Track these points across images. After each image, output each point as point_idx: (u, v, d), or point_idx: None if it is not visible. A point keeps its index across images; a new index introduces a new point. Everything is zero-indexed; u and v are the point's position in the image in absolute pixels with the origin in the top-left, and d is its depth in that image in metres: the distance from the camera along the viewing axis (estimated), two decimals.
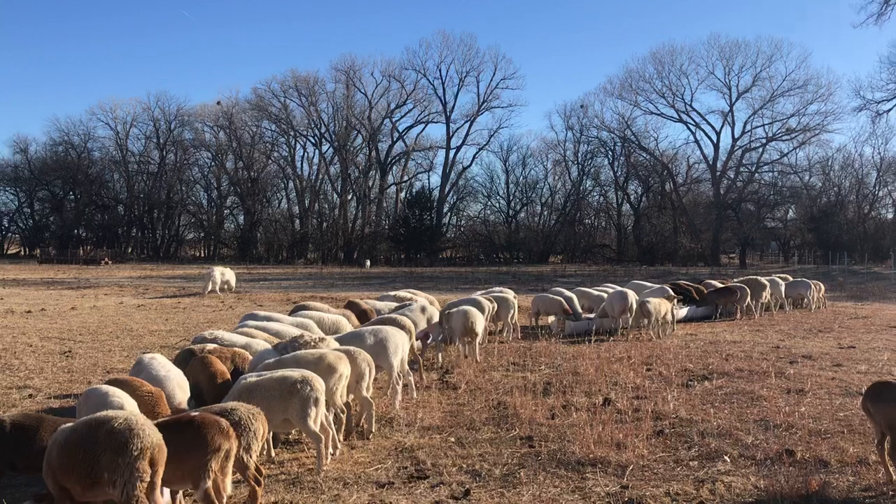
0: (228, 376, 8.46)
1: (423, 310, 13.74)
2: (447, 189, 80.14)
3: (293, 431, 8.50)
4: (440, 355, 13.80)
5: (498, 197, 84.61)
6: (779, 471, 7.22)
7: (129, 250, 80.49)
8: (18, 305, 24.15)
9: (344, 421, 8.33)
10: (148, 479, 5.22)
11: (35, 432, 6.23)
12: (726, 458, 7.74)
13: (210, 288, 30.28)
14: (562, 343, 16.02)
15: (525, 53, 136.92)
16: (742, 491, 6.82)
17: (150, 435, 5.30)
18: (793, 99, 69.14)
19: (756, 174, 72.36)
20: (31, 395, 10.92)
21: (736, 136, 71.88)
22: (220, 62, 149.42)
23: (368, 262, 58.37)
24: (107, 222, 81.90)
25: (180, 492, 6.21)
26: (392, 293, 17.23)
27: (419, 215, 73.69)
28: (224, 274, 31.47)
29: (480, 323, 13.61)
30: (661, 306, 17.34)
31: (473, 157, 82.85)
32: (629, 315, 17.68)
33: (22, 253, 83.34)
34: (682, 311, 19.88)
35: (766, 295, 21.92)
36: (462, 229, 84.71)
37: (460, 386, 11.50)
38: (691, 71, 72.98)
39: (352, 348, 8.94)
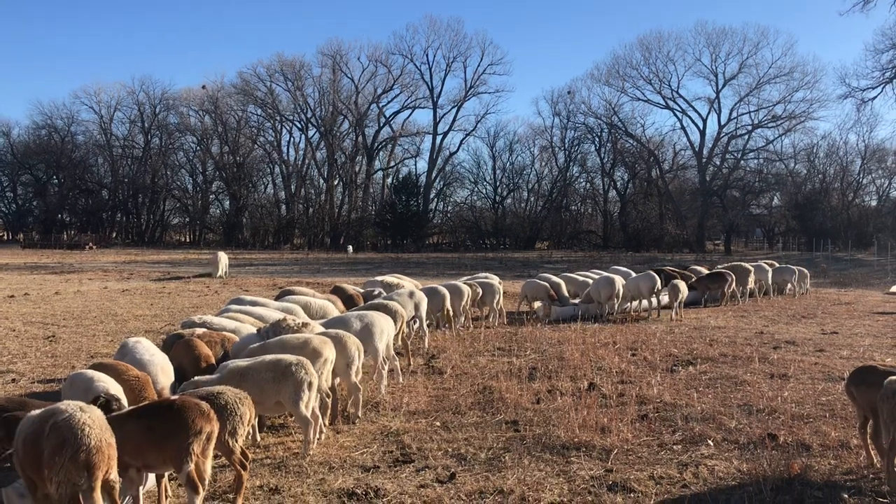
0: (213, 360, 8.43)
1: (410, 295, 13.72)
2: (434, 175, 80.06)
3: (279, 416, 8.50)
4: (426, 340, 13.82)
5: (485, 183, 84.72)
6: (761, 454, 7.28)
7: (114, 235, 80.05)
8: (1, 290, 23.95)
9: (329, 406, 8.32)
10: (81, 482, 4.92)
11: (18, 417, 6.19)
12: (710, 442, 7.80)
13: (220, 271, 31.44)
14: (547, 328, 16.07)
15: (512, 39, 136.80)
16: (725, 474, 6.87)
17: (90, 436, 4.95)
18: (779, 86, 69.49)
19: (742, 161, 72.70)
20: (14, 380, 10.85)
21: (722, 122, 72.24)
22: (206, 46, 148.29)
23: (351, 248, 58.11)
24: (91, 207, 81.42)
25: (166, 475, 6.18)
26: (379, 278, 17.18)
27: (406, 201, 73.62)
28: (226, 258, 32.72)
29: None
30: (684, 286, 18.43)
31: (460, 143, 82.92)
32: (616, 300, 17.77)
33: (5, 238, 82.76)
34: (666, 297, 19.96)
35: (751, 281, 22.06)
36: (449, 215, 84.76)
37: (446, 371, 11.52)
38: (678, 58, 73.11)
39: (341, 332, 8.92)
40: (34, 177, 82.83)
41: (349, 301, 14.50)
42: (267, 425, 8.40)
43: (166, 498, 6.23)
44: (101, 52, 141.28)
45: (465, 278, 18.51)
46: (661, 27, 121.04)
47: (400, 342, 11.87)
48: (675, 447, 7.67)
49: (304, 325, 9.44)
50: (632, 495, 6.40)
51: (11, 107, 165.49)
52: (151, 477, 6.16)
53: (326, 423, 8.08)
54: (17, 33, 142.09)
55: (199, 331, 9.27)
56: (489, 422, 8.66)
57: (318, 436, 7.76)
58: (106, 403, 6.16)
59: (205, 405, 5.75)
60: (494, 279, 18.08)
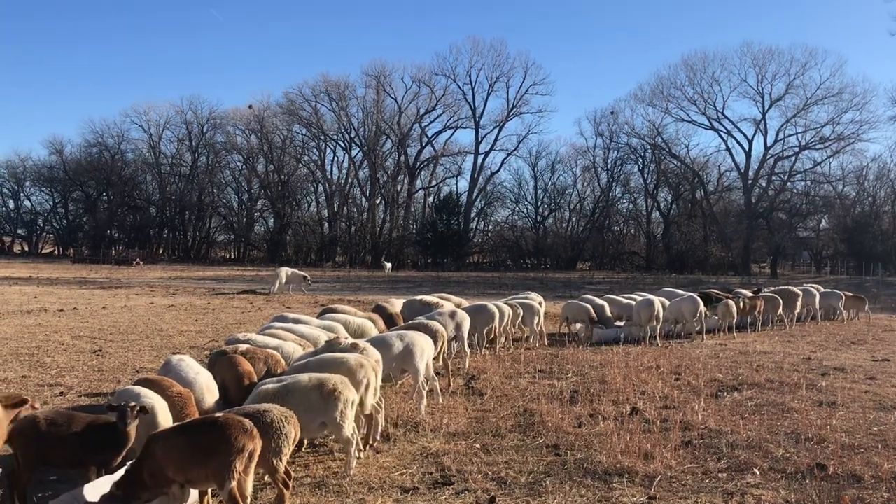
0: (255, 378, 8.49)
1: (452, 314, 13.70)
2: (475, 194, 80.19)
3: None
4: (466, 360, 13.78)
5: (526, 202, 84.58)
6: (810, 485, 7.10)
7: (161, 251, 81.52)
8: (52, 304, 24.52)
9: (363, 431, 8.32)
10: None
11: (66, 428, 6.31)
12: (756, 470, 7.62)
13: (277, 288, 32.25)
14: (589, 351, 15.92)
15: (555, 59, 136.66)
16: None
17: None
18: (827, 107, 68.43)
19: (788, 183, 71.59)
20: (62, 393, 11.07)
21: (768, 144, 71.29)
22: (253, 67, 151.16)
23: (389, 266, 58.05)
24: (139, 223, 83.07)
25: (208, 491, 6.24)
26: (418, 298, 17.16)
27: (447, 220, 73.81)
28: (288, 274, 33.57)
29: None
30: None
31: (502, 163, 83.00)
32: (656, 323, 17.54)
33: (56, 252, 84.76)
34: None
35: (799, 305, 21.61)
36: (489, 234, 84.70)
37: (486, 392, 11.46)
38: (723, 78, 72.48)
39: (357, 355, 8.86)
40: (85, 193, 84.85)
41: (390, 320, 14.53)
42: (307, 444, 8.43)
43: None
44: (150, 72, 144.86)
45: (508, 298, 18.36)
46: (706, 47, 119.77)
47: (441, 362, 11.85)
48: (720, 475, 7.52)
49: (354, 345, 9.47)
50: None
51: (64, 125, 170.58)
52: (193, 493, 6.22)
53: (361, 444, 8.02)
54: (70, 53, 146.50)
55: (243, 347, 9.36)
56: (530, 445, 8.59)
57: (357, 455, 7.74)
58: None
59: (248, 423, 5.80)
60: (536, 299, 17.93)
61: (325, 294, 32.04)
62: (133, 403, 6.33)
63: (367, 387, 8.12)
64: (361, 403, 8.07)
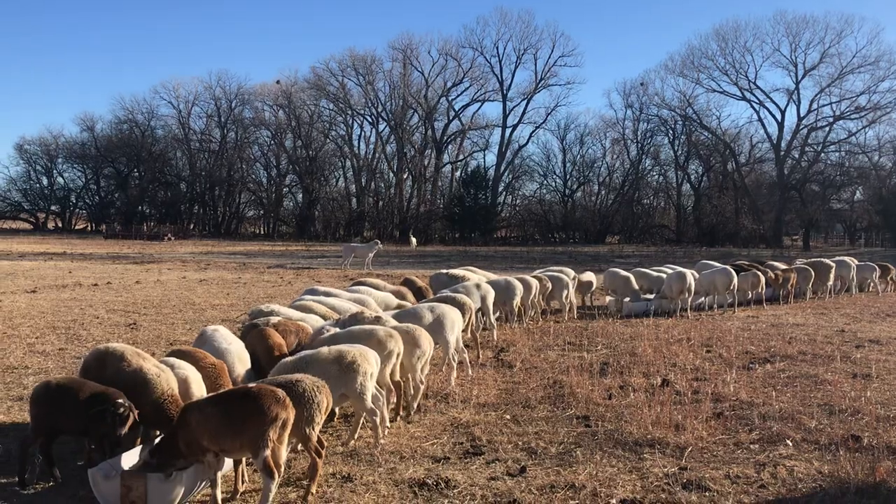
0: (286, 349, 8.56)
1: (477, 286, 13.68)
2: (503, 168, 79.65)
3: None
4: (494, 333, 13.79)
5: (554, 176, 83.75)
6: (844, 457, 7.02)
7: (191, 227, 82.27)
8: (86, 279, 24.92)
9: (394, 400, 8.39)
10: None
11: (76, 395, 6.37)
12: (788, 442, 7.57)
13: (349, 261, 33.14)
14: (619, 323, 15.86)
15: (584, 30, 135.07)
16: (805, 476, 6.66)
17: None
18: (863, 76, 66.89)
19: (822, 154, 70.28)
20: None
21: (801, 114, 69.85)
22: (280, 41, 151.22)
23: (414, 241, 57.98)
24: (169, 199, 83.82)
25: (243, 460, 6.33)
26: (445, 271, 17.12)
27: (474, 194, 73.53)
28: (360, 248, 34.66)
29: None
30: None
31: (530, 136, 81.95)
32: (688, 295, 17.41)
33: (88, 228, 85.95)
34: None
35: (832, 277, 21.32)
36: (517, 208, 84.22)
37: (515, 364, 11.48)
38: (756, 48, 71.07)
39: (412, 326, 8.94)
40: (116, 170, 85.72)
41: (419, 293, 14.57)
42: (340, 414, 8.52)
43: (242, 483, 6.39)
44: (179, 48, 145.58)
45: (538, 271, 18.18)
46: (738, 17, 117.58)
47: (469, 334, 11.87)
48: (751, 446, 7.48)
49: (377, 318, 9.52)
50: (707, 494, 6.26)
51: (96, 101, 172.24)
52: (228, 461, 6.31)
53: (388, 417, 8.06)
54: (101, 30, 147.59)
55: (275, 319, 9.43)
56: (560, 416, 8.60)
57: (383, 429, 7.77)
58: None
59: (281, 392, 5.86)
60: (568, 273, 17.78)
61: (354, 269, 32.19)
62: (126, 404, 6.32)
63: (397, 356, 8.18)
64: (391, 373, 8.15)
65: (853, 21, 68.27)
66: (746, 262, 22.56)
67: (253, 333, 8.89)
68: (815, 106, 69.32)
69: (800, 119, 69.91)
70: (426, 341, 8.72)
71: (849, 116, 68.32)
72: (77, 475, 6.58)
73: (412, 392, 8.80)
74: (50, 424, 6.44)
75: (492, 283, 14.78)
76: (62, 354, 11.94)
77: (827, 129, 69.66)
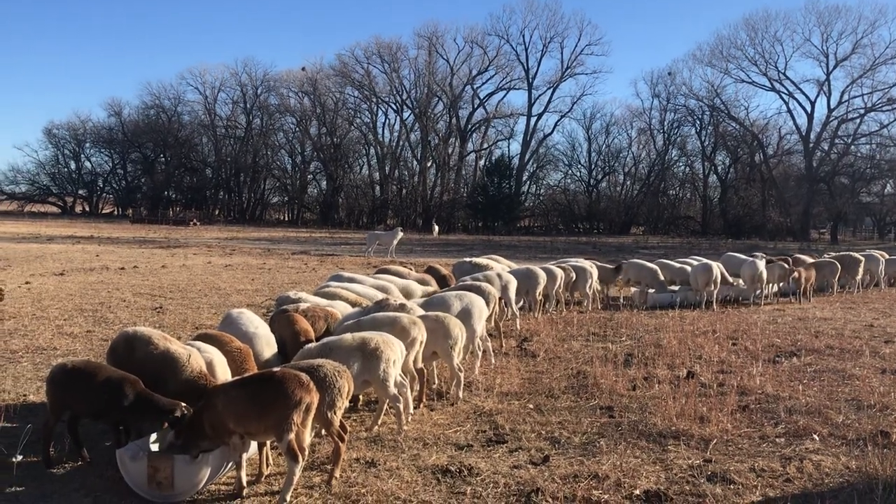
0: (312, 335, 8.59)
1: (499, 276, 13.65)
2: (527, 157, 79.38)
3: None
4: (517, 322, 13.77)
5: (579, 166, 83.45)
6: (872, 452, 6.93)
7: (217, 212, 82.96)
8: (113, 262, 25.19)
9: (416, 388, 8.40)
10: None
11: (91, 378, 6.42)
12: (815, 436, 7.49)
13: (373, 249, 33.50)
14: (644, 315, 15.77)
15: (611, 19, 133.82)
16: (832, 470, 6.59)
17: None
18: None
19: (852, 146, 69.17)
20: None
21: (832, 106, 68.66)
22: (306, 29, 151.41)
23: (437, 229, 57.67)
24: (195, 185, 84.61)
25: (267, 443, 6.38)
26: (468, 259, 17.11)
27: (498, 183, 73.26)
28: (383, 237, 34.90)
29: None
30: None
31: (555, 125, 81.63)
32: (714, 288, 17.26)
33: (115, 213, 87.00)
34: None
35: (861, 271, 21.02)
36: (541, 198, 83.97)
37: (539, 354, 11.45)
38: (786, 38, 70.05)
39: (442, 315, 8.95)
40: (143, 155, 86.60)
41: (442, 281, 14.57)
42: (363, 401, 8.55)
43: (267, 466, 6.44)
44: (206, 34, 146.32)
45: (555, 262, 18.12)
46: (768, 6, 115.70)
47: (492, 323, 11.86)
48: (777, 440, 7.41)
49: (402, 305, 9.53)
50: (732, 486, 6.21)
51: (123, 87, 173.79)
52: (253, 444, 6.36)
53: (411, 404, 8.08)
54: (129, 15, 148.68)
55: (303, 305, 9.48)
56: (583, 406, 8.57)
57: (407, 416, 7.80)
58: None
59: (304, 377, 5.90)
60: (588, 264, 17.68)
61: (378, 256, 32.27)
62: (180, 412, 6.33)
63: (420, 344, 8.20)
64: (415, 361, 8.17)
65: (887, 10, 67.87)
66: (770, 257, 22.29)
67: (280, 319, 8.94)
68: (845, 97, 68.27)
69: (830, 110, 68.88)
70: (457, 328, 8.72)
71: (881, 108, 67.18)
72: (105, 456, 6.66)
73: (452, 379, 8.86)
74: (64, 406, 6.52)
75: (514, 272, 14.77)
76: (90, 336, 12.09)
77: (858, 120, 68.58)
